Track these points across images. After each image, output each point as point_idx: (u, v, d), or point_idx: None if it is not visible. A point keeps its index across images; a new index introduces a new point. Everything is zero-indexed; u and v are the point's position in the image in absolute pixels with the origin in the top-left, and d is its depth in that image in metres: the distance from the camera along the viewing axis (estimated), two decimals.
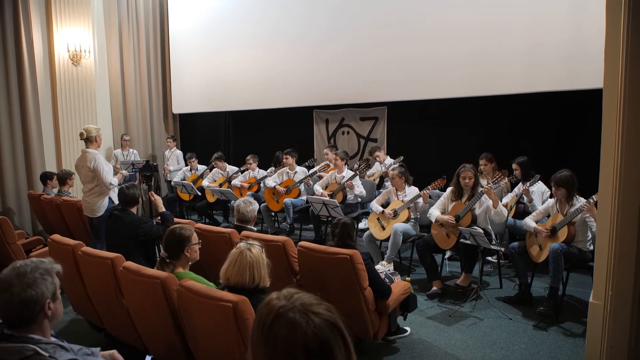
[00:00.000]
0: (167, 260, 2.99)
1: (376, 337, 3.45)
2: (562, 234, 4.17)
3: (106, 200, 5.09)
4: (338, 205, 5.55)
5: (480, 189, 4.63)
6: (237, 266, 2.54)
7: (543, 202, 4.95)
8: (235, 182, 7.44)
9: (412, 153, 6.97)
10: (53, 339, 1.74)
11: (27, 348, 1.61)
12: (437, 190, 5.54)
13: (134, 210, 4.18)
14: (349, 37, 7.50)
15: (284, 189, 6.75)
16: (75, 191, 6.70)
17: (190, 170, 8.28)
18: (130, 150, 8.59)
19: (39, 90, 6.98)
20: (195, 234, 3.11)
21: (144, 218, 4.26)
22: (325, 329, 1.09)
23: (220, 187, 7.39)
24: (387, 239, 5.17)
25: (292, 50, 8.12)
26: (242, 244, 2.62)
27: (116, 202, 5.00)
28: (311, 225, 6.65)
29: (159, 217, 4.26)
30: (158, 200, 4.40)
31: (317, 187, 6.38)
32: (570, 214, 4.15)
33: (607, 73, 2.80)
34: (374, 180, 6.91)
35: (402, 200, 5.28)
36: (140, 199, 4.33)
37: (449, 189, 4.91)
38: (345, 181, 6.09)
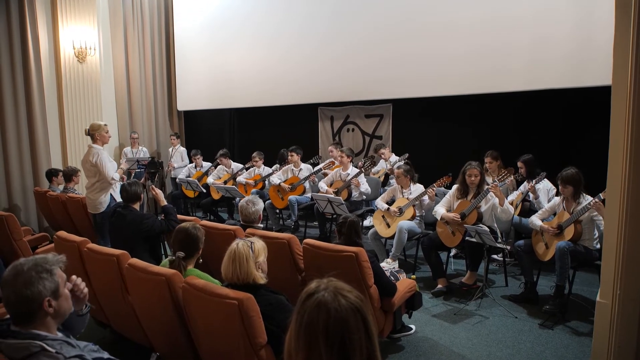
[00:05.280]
0: (184, 260, 3.01)
1: (381, 335, 3.44)
2: (569, 232, 4.14)
3: (107, 196, 5.14)
4: (343, 202, 5.54)
5: (486, 186, 4.61)
6: (226, 260, 2.58)
7: (549, 200, 4.92)
8: (240, 179, 7.44)
9: (417, 150, 6.95)
10: (60, 335, 1.74)
11: (33, 344, 1.62)
12: (443, 188, 5.53)
13: (136, 206, 4.19)
14: (353, 34, 7.48)
15: (289, 187, 6.74)
16: (81, 188, 6.71)
17: (195, 167, 8.29)
18: (140, 147, 8.61)
19: (45, 86, 7.01)
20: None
21: (146, 214, 4.27)
22: (349, 311, 1.20)
23: (225, 184, 7.39)
24: (392, 237, 5.16)
25: (297, 47, 8.10)
26: (237, 240, 2.64)
27: (117, 199, 5.04)
28: (316, 223, 6.64)
29: (163, 215, 4.27)
30: (159, 194, 4.42)
31: (322, 185, 6.38)
32: (577, 212, 4.12)
33: (616, 69, 2.76)
34: (379, 177, 6.90)
35: (408, 198, 5.26)
36: (143, 195, 4.35)
37: (455, 187, 4.89)
38: (350, 179, 6.08)
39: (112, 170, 5.11)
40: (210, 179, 7.69)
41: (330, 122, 8.61)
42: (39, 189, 6.51)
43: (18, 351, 1.61)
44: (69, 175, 6.24)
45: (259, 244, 2.64)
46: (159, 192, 4.44)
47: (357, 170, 6.21)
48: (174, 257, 3.02)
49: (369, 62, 7.35)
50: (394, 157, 7.08)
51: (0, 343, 1.63)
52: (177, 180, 8.32)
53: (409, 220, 5.14)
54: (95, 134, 5.07)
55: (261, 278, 2.58)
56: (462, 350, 3.57)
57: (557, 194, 4.87)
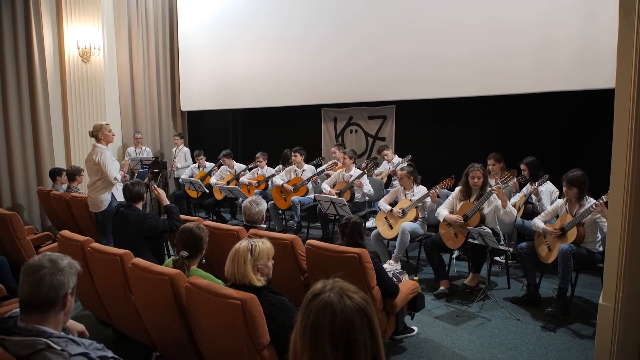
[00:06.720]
0: (187, 260, 3.02)
1: (383, 336, 3.44)
2: (572, 234, 4.14)
3: (109, 195, 5.20)
4: (346, 203, 5.54)
5: (489, 188, 4.60)
6: (228, 259, 2.59)
7: (552, 203, 4.92)
8: (243, 179, 7.45)
9: (420, 152, 6.95)
10: (63, 333, 1.76)
11: (39, 342, 1.63)
12: (446, 190, 5.53)
13: (139, 206, 4.21)
14: (357, 35, 7.49)
15: (292, 187, 6.75)
16: (84, 187, 6.73)
17: (198, 167, 8.31)
18: (143, 147, 8.63)
19: (49, 86, 7.03)
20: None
21: (149, 213, 4.29)
22: (354, 311, 1.21)
23: (228, 184, 7.40)
24: (394, 238, 5.16)
25: (300, 48, 8.12)
26: (243, 240, 2.64)
27: (119, 198, 5.08)
28: (318, 224, 6.65)
29: (165, 215, 4.28)
30: (161, 193, 4.44)
31: (325, 186, 6.38)
32: (579, 214, 4.11)
33: (620, 71, 2.76)
34: (382, 179, 6.90)
35: (410, 200, 5.27)
36: (146, 194, 4.37)
37: (458, 189, 4.89)
38: (353, 180, 6.09)
39: (114, 170, 5.17)
40: (213, 180, 7.71)
41: (333, 123, 8.62)
42: (43, 188, 6.52)
43: (23, 348, 1.62)
44: (73, 174, 6.27)
45: (264, 247, 2.61)
46: (161, 191, 4.46)
47: (360, 172, 6.22)
48: (177, 257, 3.04)
49: (373, 63, 7.36)
50: (396, 159, 7.08)
51: (6, 340, 1.64)
52: (180, 180, 8.34)
53: (411, 221, 5.14)
54: (98, 134, 5.14)
55: (258, 281, 2.56)
56: (464, 352, 3.57)
57: (560, 196, 4.87)
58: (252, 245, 2.59)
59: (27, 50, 6.79)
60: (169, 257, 4.35)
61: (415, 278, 4.27)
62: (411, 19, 6.93)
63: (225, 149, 7.98)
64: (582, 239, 4.13)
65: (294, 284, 3.58)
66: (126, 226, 4.05)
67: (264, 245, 2.63)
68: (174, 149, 9.24)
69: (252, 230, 3.80)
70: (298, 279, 3.59)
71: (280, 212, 7.08)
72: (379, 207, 5.52)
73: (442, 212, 4.82)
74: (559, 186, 4.80)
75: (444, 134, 7.26)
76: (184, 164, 8.89)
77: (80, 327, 2.17)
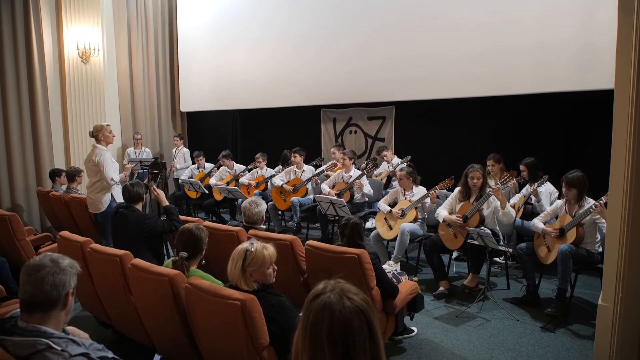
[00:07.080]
0: (187, 261, 3.02)
1: (383, 337, 3.43)
2: (571, 235, 4.14)
3: (108, 196, 5.19)
4: (345, 204, 5.54)
5: (489, 189, 4.61)
6: (230, 259, 2.58)
7: (551, 203, 4.92)
8: (243, 180, 7.45)
9: (420, 153, 6.96)
10: (64, 334, 1.76)
11: (39, 342, 1.63)
12: (445, 191, 5.53)
13: (139, 207, 4.21)
14: (357, 36, 7.49)
15: (292, 188, 6.75)
16: (84, 188, 6.72)
17: (198, 168, 8.31)
18: (143, 148, 8.63)
19: (49, 87, 7.03)
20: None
21: (148, 214, 4.29)
22: (353, 312, 1.21)
23: (228, 185, 7.40)
24: (394, 239, 5.16)
25: (300, 48, 8.12)
26: (247, 241, 2.64)
27: (118, 200, 5.08)
28: (318, 225, 6.65)
29: (165, 216, 4.28)
30: (161, 194, 4.43)
31: (325, 186, 6.39)
32: (579, 215, 4.12)
33: (619, 72, 2.77)
34: (381, 179, 6.90)
35: (410, 200, 5.27)
36: (145, 195, 4.37)
37: (457, 189, 4.89)
38: (353, 180, 6.09)
39: (112, 171, 5.15)
40: (212, 180, 7.71)
41: (332, 124, 8.62)
42: (42, 189, 6.52)
43: (24, 349, 1.62)
44: (72, 175, 6.27)
45: (261, 253, 2.52)
46: (160, 192, 4.45)
47: (360, 172, 6.22)
48: (177, 258, 3.04)
49: (372, 64, 7.36)
50: (396, 160, 7.09)
51: (6, 340, 1.64)
52: (179, 181, 8.34)
53: (411, 222, 5.14)
54: (98, 134, 5.14)
55: (247, 285, 2.51)
56: (464, 352, 3.58)
57: (559, 197, 4.87)
58: (247, 250, 2.52)
59: (26, 51, 6.79)
60: (168, 257, 4.35)
61: (414, 279, 4.26)
62: (411, 19, 6.93)
63: (225, 150, 7.98)
64: (581, 240, 4.13)
65: (294, 285, 3.58)
66: (126, 227, 4.05)
67: (263, 251, 2.54)
68: (173, 150, 9.24)
69: (251, 231, 3.80)
70: (297, 279, 3.59)
71: (279, 212, 7.08)
72: (378, 208, 5.52)
73: (442, 212, 4.83)
74: (558, 187, 4.80)
75: (443, 134, 7.27)
76: (184, 164, 8.90)
77: (83, 335, 2.16)
